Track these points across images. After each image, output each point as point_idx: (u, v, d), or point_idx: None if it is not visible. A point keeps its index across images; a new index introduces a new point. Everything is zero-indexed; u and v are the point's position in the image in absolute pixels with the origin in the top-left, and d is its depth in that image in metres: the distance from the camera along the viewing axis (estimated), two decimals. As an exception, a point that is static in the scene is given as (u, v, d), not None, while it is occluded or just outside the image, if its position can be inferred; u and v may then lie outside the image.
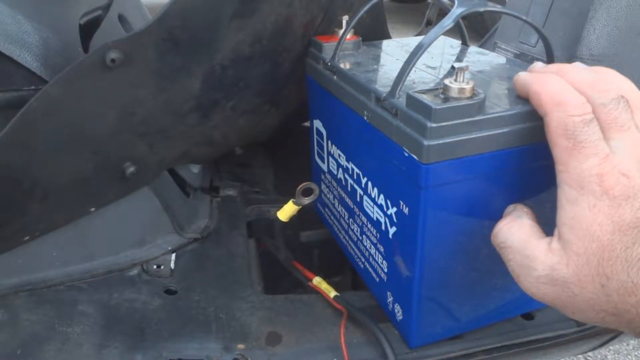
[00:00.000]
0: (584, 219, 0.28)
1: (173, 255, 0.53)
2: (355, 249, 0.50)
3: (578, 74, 0.32)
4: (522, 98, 0.35)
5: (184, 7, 0.41)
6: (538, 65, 0.37)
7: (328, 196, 0.56)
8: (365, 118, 0.41)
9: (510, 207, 0.36)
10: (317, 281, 0.50)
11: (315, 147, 0.57)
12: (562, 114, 0.30)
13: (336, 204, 0.54)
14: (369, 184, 0.43)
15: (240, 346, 0.43)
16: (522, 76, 0.35)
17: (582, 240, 0.28)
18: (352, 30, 0.50)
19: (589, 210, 0.28)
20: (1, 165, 0.42)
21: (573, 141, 0.29)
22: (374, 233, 0.44)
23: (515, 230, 0.33)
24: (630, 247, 0.27)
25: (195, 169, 0.65)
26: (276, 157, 0.77)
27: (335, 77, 0.47)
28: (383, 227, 0.42)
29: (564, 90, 0.31)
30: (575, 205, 0.29)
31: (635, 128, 0.30)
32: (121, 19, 0.64)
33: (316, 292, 0.49)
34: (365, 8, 0.48)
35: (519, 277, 0.32)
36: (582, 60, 0.53)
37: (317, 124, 0.54)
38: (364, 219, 0.46)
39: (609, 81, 0.31)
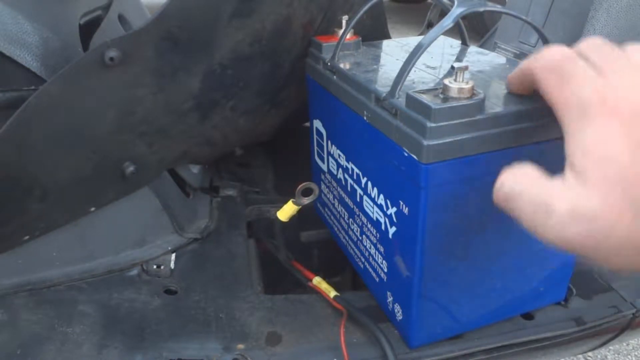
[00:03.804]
0: (595, 141, 0.26)
1: (173, 255, 0.53)
2: (355, 249, 0.50)
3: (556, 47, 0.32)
4: (521, 93, 0.35)
5: (183, 6, 0.41)
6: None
7: (328, 196, 0.56)
8: (365, 118, 0.41)
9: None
10: (317, 281, 0.50)
11: (315, 147, 0.57)
12: (546, 60, 0.30)
13: (336, 204, 0.54)
14: (369, 184, 0.43)
15: (240, 346, 0.43)
16: (513, 73, 0.35)
17: (599, 165, 0.25)
18: (352, 30, 0.50)
19: (599, 133, 0.26)
20: (0, 164, 0.42)
21: (560, 74, 0.28)
22: (374, 233, 0.44)
23: (521, 176, 0.29)
24: None
25: (195, 169, 0.65)
26: (276, 157, 0.77)
27: (335, 77, 0.47)
28: (383, 227, 0.42)
29: (544, 51, 0.31)
30: (583, 130, 0.26)
31: (625, 57, 0.28)
32: (121, 19, 0.64)
33: (316, 292, 0.49)
34: (365, 8, 0.48)
35: (536, 227, 0.27)
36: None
37: (317, 124, 0.54)
38: (363, 219, 0.46)
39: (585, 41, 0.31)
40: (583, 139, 0.26)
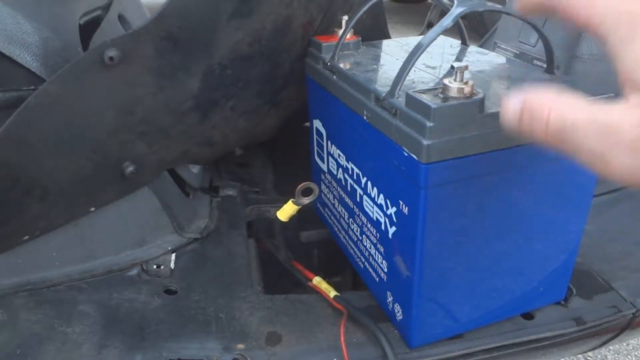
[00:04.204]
0: None
1: (173, 255, 0.53)
2: (355, 249, 0.50)
3: None
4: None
5: (183, 6, 0.41)
6: None
7: (328, 196, 0.56)
8: (364, 118, 0.41)
9: (515, 103, 0.26)
10: (317, 281, 0.50)
11: (315, 147, 0.57)
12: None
13: (336, 204, 0.54)
14: (369, 183, 0.43)
15: (240, 346, 0.43)
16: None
17: None
18: (352, 30, 0.50)
19: None
20: (0, 163, 0.42)
21: None
22: (374, 233, 0.44)
23: (571, 104, 0.25)
24: None
25: (195, 169, 0.65)
26: (276, 157, 0.77)
27: (334, 77, 0.47)
28: (383, 227, 0.42)
29: None
30: (635, 41, 0.23)
31: None
32: (121, 19, 0.64)
33: (316, 292, 0.49)
34: (365, 8, 0.48)
35: (603, 158, 0.23)
36: (582, 60, 0.53)
37: (317, 124, 0.54)
38: (363, 219, 0.46)
39: None
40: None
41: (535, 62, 0.55)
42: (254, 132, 0.64)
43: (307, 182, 0.50)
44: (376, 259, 0.45)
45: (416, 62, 0.36)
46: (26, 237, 0.47)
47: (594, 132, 0.23)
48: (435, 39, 0.36)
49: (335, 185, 0.53)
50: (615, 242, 0.58)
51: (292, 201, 0.51)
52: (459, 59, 0.49)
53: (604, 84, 0.36)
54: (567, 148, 0.25)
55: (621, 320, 0.49)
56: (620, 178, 0.23)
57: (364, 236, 0.47)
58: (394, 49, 0.52)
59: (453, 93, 0.34)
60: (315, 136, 0.56)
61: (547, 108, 0.25)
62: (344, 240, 0.53)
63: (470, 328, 0.45)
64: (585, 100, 0.24)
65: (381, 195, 0.41)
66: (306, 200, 0.50)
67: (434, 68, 0.44)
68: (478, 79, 0.42)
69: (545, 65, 0.44)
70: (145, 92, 0.45)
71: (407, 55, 0.37)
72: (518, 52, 0.62)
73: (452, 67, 0.34)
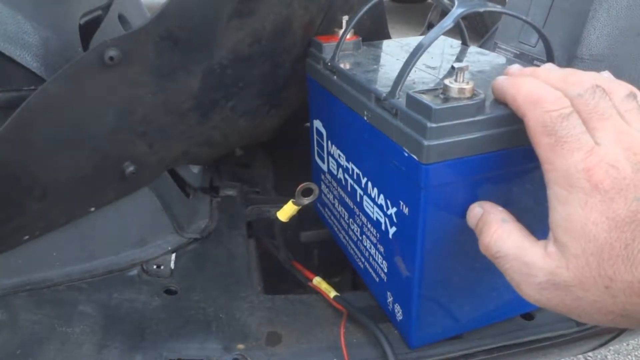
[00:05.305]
0: (577, 218, 0.27)
1: (173, 255, 0.53)
2: (355, 249, 0.50)
3: (550, 73, 0.32)
4: (501, 104, 0.35)
5: (183, 5, 0.41)
6: (513, 67, 0.36)
7: (328, 196, 0.56)
8: (365, 118, 0.41)
9: (478, 210, 0.34)
10: (317, 281, 0.50)
11: (315, 147, 0.57)
12: (540, 111, 0.29)
13: (336, 204, 0.54)
14: (369, 184, 0.43)
15: (240, 346, 0.43)
16: (499, 82, 0.34)
17: (578, 241, 0.27)
18: (352, 30, 0.50)
19: (581, 209, 0.27)
20: (0, 163, 0.42)
21: (554, 137, 0.28)
22: (374, 233, 0.44)
23: (507, 237, 0.32)
24: (630, 244, 0.25)
25: (195, 169, 0.65)
26: (276, 157, 0.77)
27: (335, 77, 0.47)
28: (383, 227, 0.42)
29: (538, 87, 0.30)
30: (566, 204, 0.28)
31: (617, 115, 0.29)
32: (121, 19, 0.64)
33: (316, 292, 0.49)
34: (365, 8, 0.48)
35: (519, 286, 0.31)
36: (582, 60, 0.53)
37: (317, 124, 0.54)
38: (363, 219, 0.46)
39: (580, 74, 0.31)
40: (566, 214, 0.28)
41: (535, 62, 0.55)
42: (254, 133, 0.64)
43: (307, 182, 0.50)
44: (376, 259, 0.45)
45: (416, 63, 0.36)
46: (26, 237, 0.47)
47: (517, 267, 0.30)
48: (435, 39, 0.36)
49: (335, 185, 0.53)
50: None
51: (292, 201, 0.51)
52: (459, 59, 0.49)
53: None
54: (496, 266, 0.32)
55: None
56: (534, 303, 0.30)
57: (364, 236, 0.47)
58: (394, 49, 0.52)
59: (454, 94, 0.34)
60: (315, 136, 0.56)
61: (491, 232, 0.32)
62: (344, 240, 0.53)
63: (470, 328, 0.45)
64: (521, 234, 0.31)
65: (381, 196, 0.41)
66: (306, 201, 0.50)
67: (434, 68, 0.44)
68: (478, 79, 0.42)
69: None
70: (145, 92, 0.45)
71: (407, 55, 0.37)
72: (518, 53, 0.62)
73: (453, 67, 0.34)
